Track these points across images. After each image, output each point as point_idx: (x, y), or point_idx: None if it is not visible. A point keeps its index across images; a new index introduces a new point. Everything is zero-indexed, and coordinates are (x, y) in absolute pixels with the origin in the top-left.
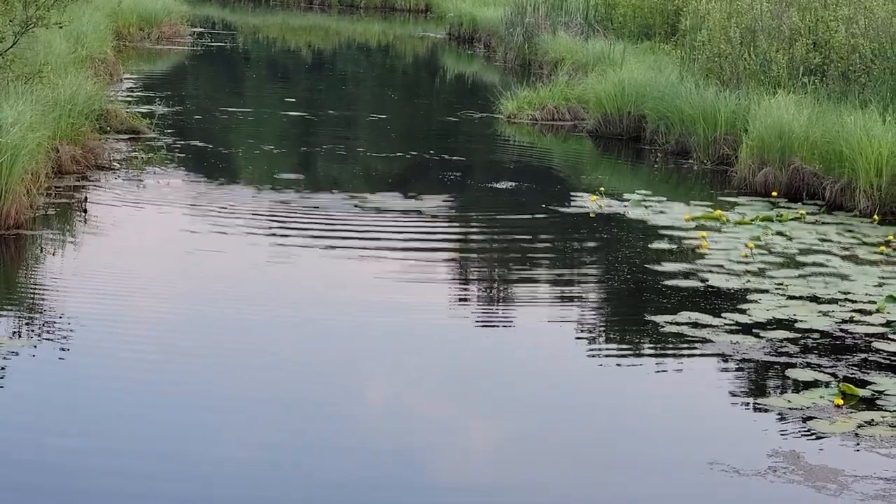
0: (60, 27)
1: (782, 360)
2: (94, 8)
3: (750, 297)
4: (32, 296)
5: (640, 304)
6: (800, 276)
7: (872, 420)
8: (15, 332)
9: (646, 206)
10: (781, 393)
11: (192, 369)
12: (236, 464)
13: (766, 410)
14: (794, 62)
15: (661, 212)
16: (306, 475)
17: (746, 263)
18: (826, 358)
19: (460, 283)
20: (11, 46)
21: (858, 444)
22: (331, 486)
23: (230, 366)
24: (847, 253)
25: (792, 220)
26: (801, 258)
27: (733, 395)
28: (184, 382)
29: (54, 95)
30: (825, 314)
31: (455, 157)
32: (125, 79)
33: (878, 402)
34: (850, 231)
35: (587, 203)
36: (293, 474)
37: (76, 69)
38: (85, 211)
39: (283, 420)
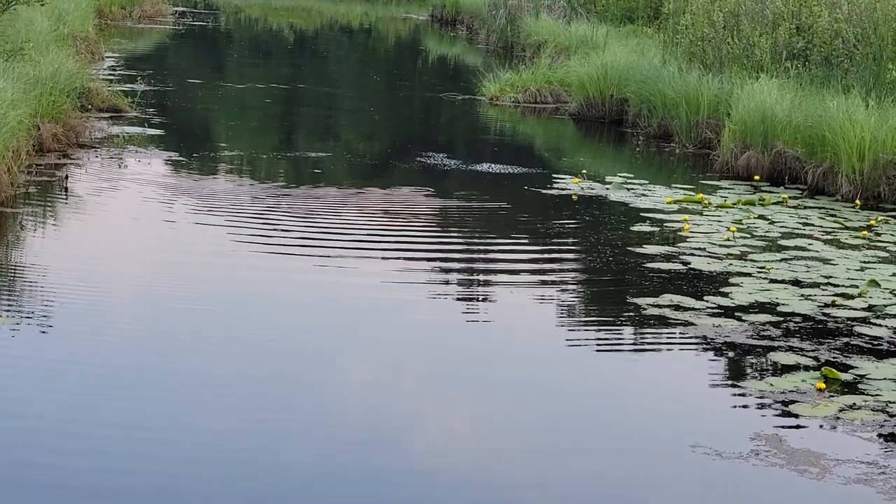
0: (42, 4)
1: (764, 343)
2: None
3: (732, 280)
4: (12, 273)
5: (621, 286)
6: (782, 259)
7: (854, 404)
8: None
9: (628, 189)
10: (763, 377)
11: (171, 349)
12: (215, 444)
13: (748, 394)
14: (778, 46)
15: (644, 195)
16: (283, 458)
17: (728, 247)
18: (808, 342)
19: (440, 266)
20: None
21: (840, 428)
22: (306, 469)
23: (209, 345)
24: (829, 237)
25: (774, 203)
26: (783, 242)
27: (715, 378)
28: (163, 361)
29: (36, 73)
30: (807, 298)
31: (436, 139)
32: (106, 57)
33: (859, 386)
34: (832, 215)
35: (569, 185)
36: (270, 456)
37: (58, 47)
38: (66, 189)
39: (261, 401)
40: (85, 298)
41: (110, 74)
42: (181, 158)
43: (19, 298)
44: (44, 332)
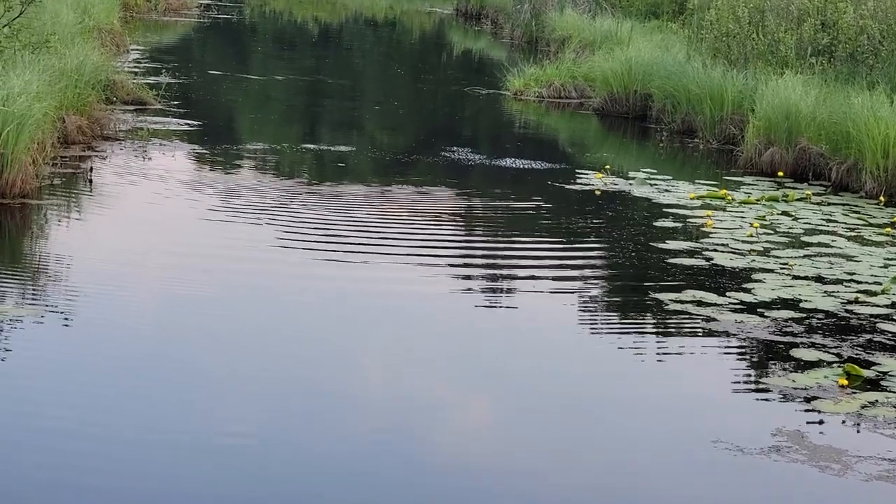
0: None
1: (787, 339)
2: None
3: (755, 276)
4: (37, 265)
5: (644, 281)
6: (805, 256)
7: (876, 401)
8: (19, 301)
9: (651, 185)
10: (786, 373)
11: (192, 343)
12: (235, 438)
13: (770, 390)
14: (802, 43)
15: (667, 190)
16: (303, 452)
17: (751, 243)
18: (831, 338)
19: (464, 260)
20: (18, 16)
21: (862, 425)
22: (326, 463)
23: (230, 340)
24: (852, 234)
25: (797, 200)
26: (806, 238)
27: (737, 374)
28: (183, 356)
29: (61, 65)
30: (830, 294)
31: (461, 134)
32: (132, 50)
33: (882, 382)
34: (856, 212)
35: (593, 181)
36: (289, 451)
37: (83, 39)
38: (90, 181)
39: (282, 396)
40: (108, 291)
41: (135, 67)
42: (205, 151)
43: (43, 290)
44: (66, 324)
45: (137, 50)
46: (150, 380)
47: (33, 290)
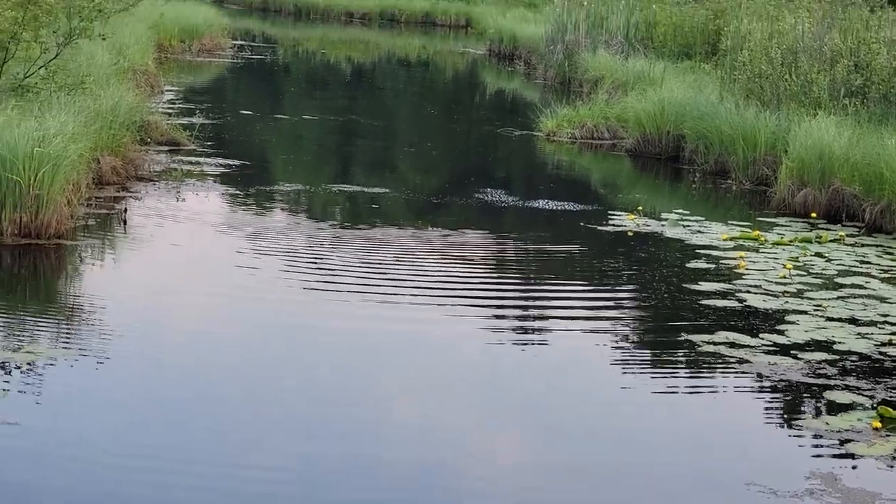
0: (104, 39)
1: (820, 381)
2: (136, 20)
3: (788, 317)
4: (71, 305)
5: (677, 323)
6: (838, 297)
7: None
8: (54, 341)
9: (684, 226)
10: (819, 415)
11: (225, 385)
12: (267, 478)
13: (803, 432)
14: (836, 84)
15: (699, 231)
16: (334, 490)
17: (785, 284)
18: (864, 380)
19: (496, 301)
20: (55, 57)
21: None
22: (362, 497)
23: (262, 381)
24: (886, 275)
25: (831, 241)
26: (839, 280)
27: (770, 416)
28: (217, 396)
29: (96, 106)
30: (863, 336)
31: (494, 174)
32: (166, 90)
33: None
34: (890, 253)
35: (625, 222)
36: (321, 489)
37: (118, 80)
38: (124, 222)
39: (314, 434)
40: (142, 332)
41: (169, 107)
42: (238, 192)
43: (77, 331)
44: (100, 365)
45: (171, 90)
46: (182, 422)
47: (67, 330)
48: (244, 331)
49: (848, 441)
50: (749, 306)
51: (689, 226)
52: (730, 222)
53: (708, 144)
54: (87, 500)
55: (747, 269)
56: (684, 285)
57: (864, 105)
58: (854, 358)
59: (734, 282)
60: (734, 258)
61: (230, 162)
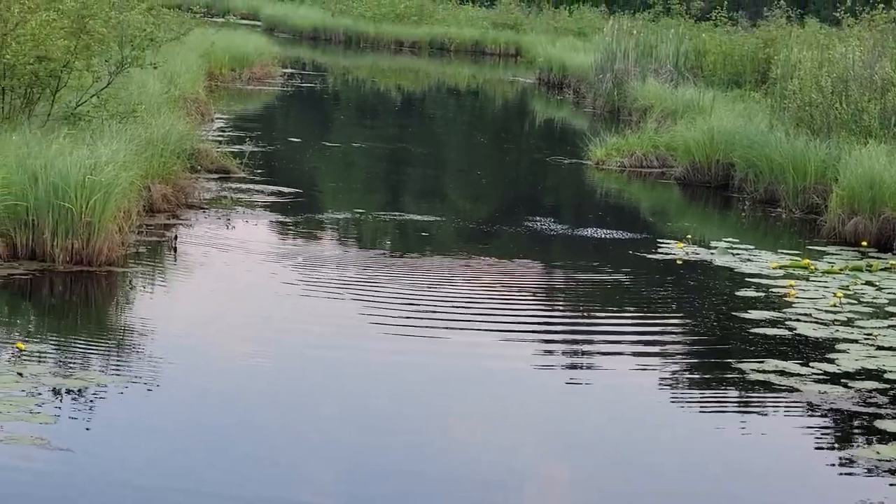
0: (155, 67)
1: (871, 410)
2: (187, 49)
3: (838, 346)
4: (122, 332)
5: (726, 351)
6: (889, 326)
7: None
8: (104, 368)
9: (733, 254)
10: (870, 444)
11: (275, 414)
12: (320, 498)
13: (854, 461)
14: (886, 112)
15: (749, 260)
16: None
17: (835, 313)
18: None
19: (544, 330)
20: (107, 86)
21: None
22: None
23: (312, 411)
24: None
25: (882, 270)
26: (890, 308)
27: (821, 445)
28: (265, 423)
29: (147, 134)
30: None
31: (543, 203)
32: (216, 118)
33: None
34: None
35: (674, 250)
36: None
37: (169, 109)
38: (175, 249)
39: (365, 467)
40: (190, 360)
41: (220, 135)
42: (287, 220)
43: (127, 358)
44: (149, 393)
45: (222, 118)
46: (232, 450)
47: (118, 357)
48: (292, 360)
49: None
50: (799, 335)
51: (738, 254)
52: (780, 251)
53: (758, 173)
54: None
55: (797, 297)
56: (734, 314)
57: None
58: None
59: (784, 310)
60: (784, 287)
61: (280, 189)
